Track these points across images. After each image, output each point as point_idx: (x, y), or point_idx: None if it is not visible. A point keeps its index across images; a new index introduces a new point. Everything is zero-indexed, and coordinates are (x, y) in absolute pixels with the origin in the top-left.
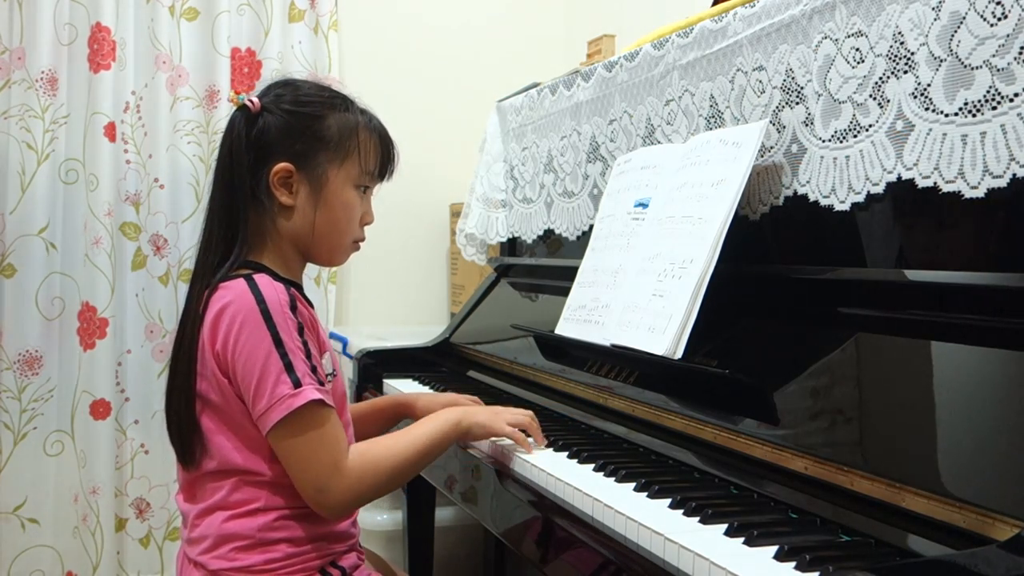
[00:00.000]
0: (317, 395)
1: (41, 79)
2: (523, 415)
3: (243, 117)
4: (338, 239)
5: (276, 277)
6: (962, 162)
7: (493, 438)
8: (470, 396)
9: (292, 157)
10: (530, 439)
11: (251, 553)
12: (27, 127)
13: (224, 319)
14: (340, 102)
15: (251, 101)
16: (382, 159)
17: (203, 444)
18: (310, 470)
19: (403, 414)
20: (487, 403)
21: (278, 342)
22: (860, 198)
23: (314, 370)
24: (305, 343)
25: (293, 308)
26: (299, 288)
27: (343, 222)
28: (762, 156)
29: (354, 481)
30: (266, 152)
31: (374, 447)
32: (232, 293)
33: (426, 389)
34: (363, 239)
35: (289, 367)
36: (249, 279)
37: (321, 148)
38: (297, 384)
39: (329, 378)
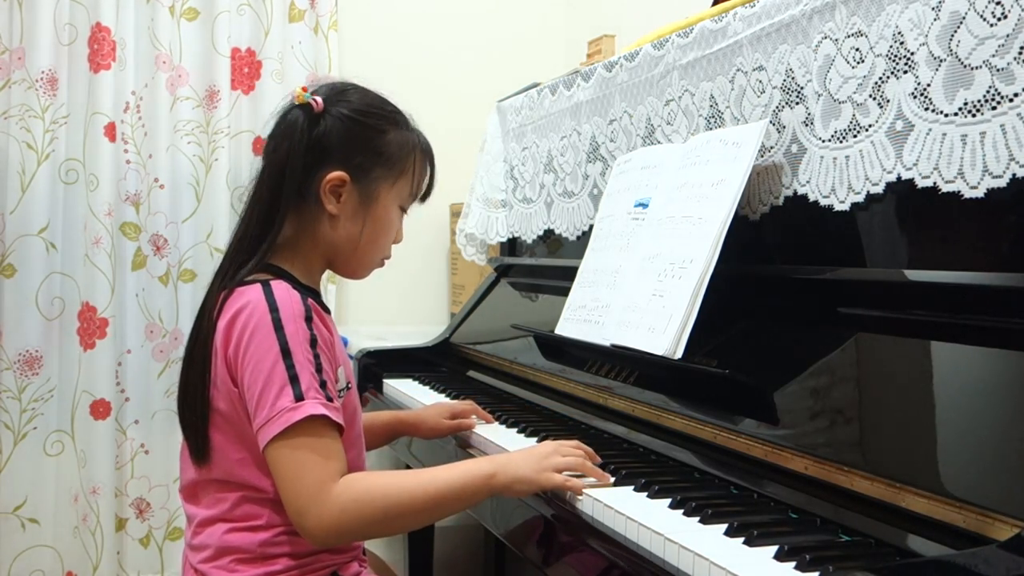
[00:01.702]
0: (320, 410)
1: (41, 79)
2: (573, 455)
3: (306, 116)
4: (372, 255)
5: (296, 284)
6: (962, 162)
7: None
8: (469, 401)
9: (349, 167)
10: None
11: (252, 566)
12: (27, 127)
13: (236, 325)
14: (401, 119)
15: (315, 100)
16: (429, 183)
17: (213, 450)
18: (293, 490)
19: (404, 432)
20: (484, 405)
21: (286, 352)
22: (860, 198)
23: (323, 385)
24: (316, 356)
25: (308, 319)
26: (317, 296)
27: (382, 239)
28: (762, 156)
29: (336, 512)
30: (323, 157)
31: (369, 480)
32: (246, 298)
33: (426, 389)
34: (390, 256)
35: (294, 379)
36: (266, 285)
37: (378, 163)
38: (300, 398)
39: (343, 392)
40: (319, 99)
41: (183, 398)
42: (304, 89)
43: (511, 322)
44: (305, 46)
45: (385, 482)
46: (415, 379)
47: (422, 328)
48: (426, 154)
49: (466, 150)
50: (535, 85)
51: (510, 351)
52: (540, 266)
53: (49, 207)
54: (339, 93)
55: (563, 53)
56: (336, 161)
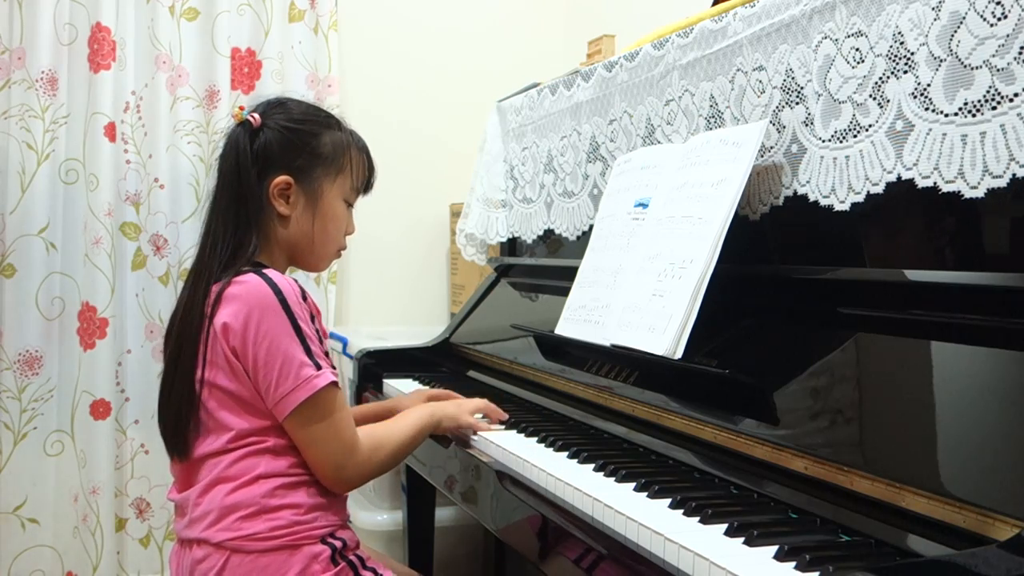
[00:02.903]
0: (334, 377)
1: (41, 79)
2: (481, 403)
3: (245, 133)
4: (327, 248)
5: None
6: (962, 162)
7: (469, 428)
8: (447, 391)
9: (291, 171)
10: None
11: (256, 521)
12: (27, 127)
13: (243, 309)
14: (333, 121)
15: (253, 117)
16: (368, 176)
17: (201, 429)
18: (329, 448)
19: (385, 416)
20: None
21: (297, 329)
22: (860, 198)
23: (327, 354)
24: (317, 331)
25: (304, 298)
26: None
27: (333, 232)
28: (762, 156)
29: (366, 458)
30: (267, 165)
31: (377, 430)
32: (247, 286)
33: (426, 389)
34: (345, 247)
35: (309, 352)
36: (260, 273)
37: (318, 163)
38: (318, 367)
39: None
40: (256, 115)
41: (169, 395)
42: (242, 108)
43: (511, 322)
44: (305, 46)
45: (386, 430)
46: (415, 379)
47: (422, 328)
48: (362, 150)
49: (466, 150)
50: (535, 85)
51: (510, 351)
52: (540, 266)
53: (49, 207)
54: (275, 107)
55: (563, 53)
56: (279, 167)
